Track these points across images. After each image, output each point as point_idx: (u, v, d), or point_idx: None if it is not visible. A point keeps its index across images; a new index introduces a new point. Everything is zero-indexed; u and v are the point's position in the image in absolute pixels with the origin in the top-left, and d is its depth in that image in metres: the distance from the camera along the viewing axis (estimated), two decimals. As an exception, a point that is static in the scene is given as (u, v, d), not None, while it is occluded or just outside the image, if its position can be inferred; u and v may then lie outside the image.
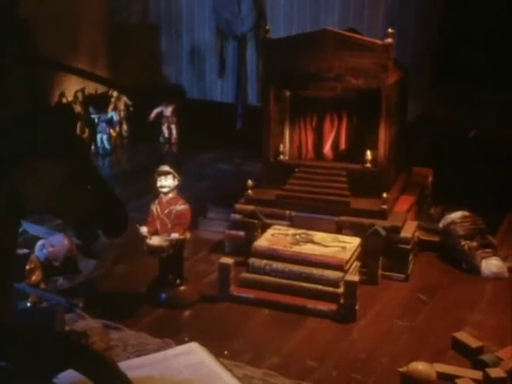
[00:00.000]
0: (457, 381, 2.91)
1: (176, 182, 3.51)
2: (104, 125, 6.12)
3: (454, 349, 3.22)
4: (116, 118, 6.29)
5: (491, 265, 3.99)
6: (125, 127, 6.44)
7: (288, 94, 4.20)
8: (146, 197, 4.66)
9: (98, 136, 6.10)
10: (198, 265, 4.04)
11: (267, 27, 4.15)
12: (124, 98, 6.36)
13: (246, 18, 6.28)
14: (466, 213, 4.22)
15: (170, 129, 6.42)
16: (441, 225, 4.24)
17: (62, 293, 3.53)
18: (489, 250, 4.07)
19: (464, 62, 5.44)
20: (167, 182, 3.48)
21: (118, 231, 1.99)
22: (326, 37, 3.98)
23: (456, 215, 4.19)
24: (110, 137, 6.15)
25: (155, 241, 3.47)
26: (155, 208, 3.53)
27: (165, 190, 3.50)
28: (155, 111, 6.37)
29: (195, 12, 6.69)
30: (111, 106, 6.34)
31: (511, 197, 4.62)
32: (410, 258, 3.94)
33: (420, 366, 2.79)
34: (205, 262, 4.09)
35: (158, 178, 3.49)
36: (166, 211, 3.51)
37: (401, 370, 2.81)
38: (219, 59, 6.46)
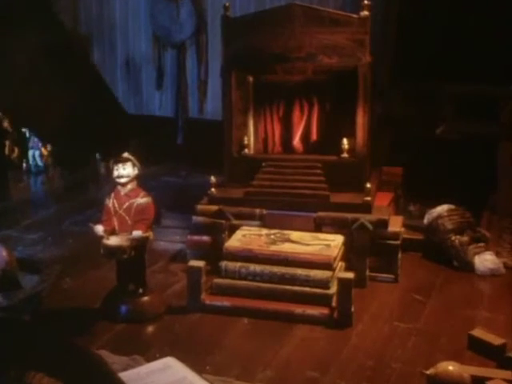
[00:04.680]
0: (488, 383, 2.45)
1: (136, 171, 2.98)
2: (36, 139, 5.55)
3: (470, 349, 2.78)
4: None
5: (486, 261, 3.60)
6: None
7: (251, 79, 3.74)
8: (86, 211, 4.30)
9: (30, 152, 5.51)
10: (158, 275, 3.52)
11: (227, 4, 3.69)
12: None
13: (186, 23, 5.82)
14: (451, 206, 3.83)
15: (106, 144, 5.87)
16: (425, 220, 3.83)
17: (2, 311, 2.94)
18: (481, 245, 3.69)
19: (423, 58, 5.15)
20: (126, 171, 2.95)
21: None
22: (293, 12, 3.56)
23: (442, 209, 3.80)
24: (41, 154, 5.60)
25: (114, 241, 2.92)
26: (111, 203, 2.99)
27: (123, 180, 2.96)
28: None
29: (130, 19, 6.16)
30: None
31: (482, 193, 4.26)
32: (400, 255, 3.49)
33: (450, 367, 2.34)
34: (165, 272, 3.59)
35: (115, 167, 2.95)
36: (125, 206, 2.97)
37: (428, 372, 2.34)
38: (157, 70, 5.97)
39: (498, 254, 3.70)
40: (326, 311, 3.02)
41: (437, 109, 5.03)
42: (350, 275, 3.01)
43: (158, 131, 5.75)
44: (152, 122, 5.95)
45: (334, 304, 3.04)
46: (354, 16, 3.50)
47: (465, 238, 3.67)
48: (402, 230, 3.62)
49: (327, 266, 3.12)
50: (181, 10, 5.79)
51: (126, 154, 2.94)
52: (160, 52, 5.95)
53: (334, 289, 3.06)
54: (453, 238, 3.67)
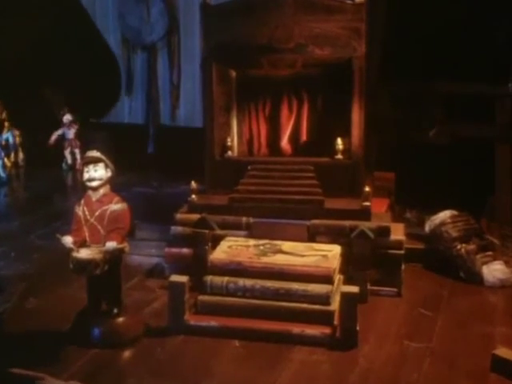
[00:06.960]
0: (524, 412, 2.12)
1: (109, 174, 2.62)
2: None
3: (494, 370, 2.44)
4: (12, 139, 5.40)
5: (495, 271, 3.32)
6: (21, 155, 5.55)
7: (234, 73, 3.43)
8: (51, 224, 4.07)
9: None
10: (133, 293, 3.21)
11: (207, -9, 3.36)
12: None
13: (156, 24, 5.52)
14: (455, 212, 3.53)
15: (73, 153, 5.53)
16: (427, 228, 3.54)
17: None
18: (489, 253, 3.40)
19: (413, 58, 4.92)
20: (97, 173, 2.61)
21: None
22: (281, -1, 3.25)
23: (445, 215, 3.52)
24: (4, 164, 5.26)
25: (84, 254, 2.58)
26: (81, 211, 2.63)
27: (94, 183, 2.62)
28: (55, 134, 5.49)
29: (97, 21, 5.85)
30: (5, 130, 5.46)
31: (479, 198, 3.98)
32: (403, 266, 3.17)
33: (484, 394, 1.99)
34: (141, 290, 3.28)
35: (85, 168, 2.60)
36: (97, 213, 2.63)
37: (459, 401, 2.00)
38: (126, 74, 5.67)
39: (508, 263, 3.42)
40: (327, 330, 2.72)
41: (428, 110, 4.79)
42: (355, 289, 2.69)
43: (127, 140, 5.43)
44: (121, 130, 5.62)
45: (335, 322, 2.70)
46: (349, 2, 3.21)
47: (471, 247, 3.40)
48: (405, 238, 3.30)
49: (327, 279, 2.80)
50: (151, 9, 5.50)
51: (96, 154, 2.58)
52: (129, 55, 5.65)
53: (335, 305, 2.73)
54: (458, 246, 3.40)
